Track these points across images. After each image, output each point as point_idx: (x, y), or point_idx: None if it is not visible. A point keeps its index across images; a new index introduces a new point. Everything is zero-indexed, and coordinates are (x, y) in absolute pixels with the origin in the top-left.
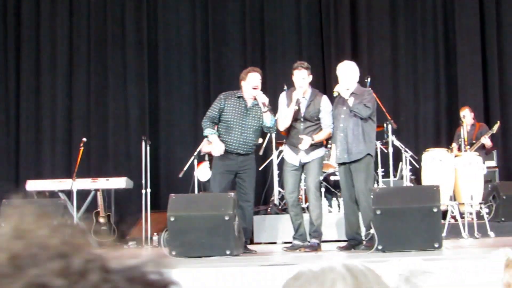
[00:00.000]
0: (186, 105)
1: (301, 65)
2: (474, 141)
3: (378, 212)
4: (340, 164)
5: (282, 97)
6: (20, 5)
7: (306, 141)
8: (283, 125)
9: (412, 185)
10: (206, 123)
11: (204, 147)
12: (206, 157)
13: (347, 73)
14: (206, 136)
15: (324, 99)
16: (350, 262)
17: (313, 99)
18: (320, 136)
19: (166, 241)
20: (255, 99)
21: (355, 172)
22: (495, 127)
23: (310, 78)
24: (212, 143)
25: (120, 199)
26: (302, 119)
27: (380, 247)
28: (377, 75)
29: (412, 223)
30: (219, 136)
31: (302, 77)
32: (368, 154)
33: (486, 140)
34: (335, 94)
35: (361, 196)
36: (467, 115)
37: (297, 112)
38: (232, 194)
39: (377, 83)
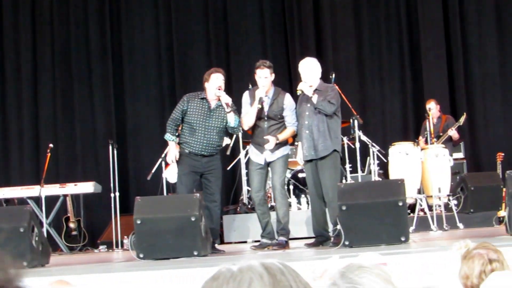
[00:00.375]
0: (152, 108)
1: (263, 63)
2: (441, 134)
3: (344, 207)
4: (307, 162)
5: (245, 96)
6: None
7: (271, 141)
8: (247, 124)
9: (380, 179)
10: (169, 125)
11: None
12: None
13: (309, 70)
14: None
15: (287, 97)
16: (268, 261)
17: (276, 97)
18: (284, 135)
19: (133, 244)
20: (219, 100)
21: (322, 168)
22: (462, 119)
23: (273, 76)
24: (170, 148)
25: (90, 204)
26: (265, 118)
27: (347, 243)
28: (343, 71)
29: (378, 217)
30: (183, 138)
31: (264, 75)
32: (335, 150)
33: (453, 132)
34: (298, 92)
35: (329, 193)
36: (433, 108)
37: (260, 111)
38: (198, 195)
39: (343, 79)
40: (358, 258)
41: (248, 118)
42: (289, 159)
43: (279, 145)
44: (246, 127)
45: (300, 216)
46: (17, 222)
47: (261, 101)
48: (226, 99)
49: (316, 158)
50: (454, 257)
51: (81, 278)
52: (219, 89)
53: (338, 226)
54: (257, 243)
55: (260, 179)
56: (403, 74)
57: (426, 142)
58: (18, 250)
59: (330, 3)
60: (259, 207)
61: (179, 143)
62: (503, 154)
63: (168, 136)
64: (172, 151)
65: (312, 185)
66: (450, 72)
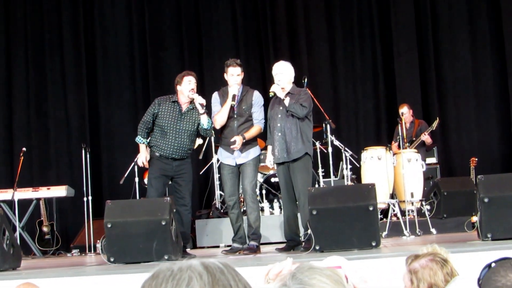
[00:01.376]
0: (125, 111)
1: (234, 61)
2: (414, 138)
3: (314, 212)
4: (279, 164)
5: (215, 96)
6: None
7: (238, 141)
8: (219, 123)
9: (352, 184)
10: (140, 128)
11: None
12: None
13: (282, 72)
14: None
15: (256, 93)
16: (208, 260)
17: (245, 94)
18: (251, 133)
19: (104, 248)
20: (191, 102)
21: (294, 171)
22: (435, 124)
23: (242, 75)
24: (140, 151)
25: (63, 208)
26: (235, 116)
27: (317, 247)
28: (316, 75)
29: (349, 222)
30: (154, 141)
31: (237, 73)
32: (307, 153)
33: (426, 137)
34: (271, 94)
35: (301, 196)
36: (405, 112)
37: (230, 109)
38: (168, 198)
39: (316, 83)
40: (323, 261)
41: (221, 116)
42: (261, 164)
43: (249, 145)
44: (218, 126)
45: (272, 221)
46: None
47: (234, 98)
48: (201, 100)
49: (288, 160)
50: None
51: (50, 281)
52: (191, 91)
53: (309, 231)
54: (229, 248)
55: (233, 183)
56: (376, 78)
57: (398, 146)
58: None
59: (303, 7)
60: (232, 210)
61: (149, 146)
62: (476, 159)
63: (138, 139)
64: (142, 154)
65: (285, 188)
66: (423, 77)
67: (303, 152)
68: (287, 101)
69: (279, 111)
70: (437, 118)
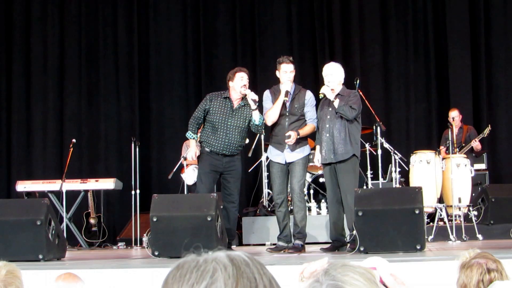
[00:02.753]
0: (177, 107)
1: (287, 58)
2: (463, 144)
3: (360, 213)
4: (326, 165)
5: (266, 94)
6: (12, 6)
7: (292, 135)
8: (271, 119)
9: (400, 186)
10: (191, 124)
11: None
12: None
13: (333, 74)
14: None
15: (308, 93)
16: (234, 253)
17: (297, 93)
18: (305, 131)
19: (148, 242)
20: (242, 99)
21: (341, 173)
22: (486, 131)
23: (294, 72)
24: (190, 146)
25: (111, 201)
26: (287, 114)
27: (362, 249)
28: (368, 77)
29: (394, 224)
30: (205, 136)
31: (290, 70)
32: (354, 155)
33: (476, 144)
34: (320, 96)
35: (347, 197)
36: (456, 116)
37: (282, 107)
38: (215, 194)
39: (368, 85)
40: (363, 261)
41: (273, 113)
42: (310, 163)
43: (300, 144)
44: (270, 123)
45: (319, 221)
46: (34, 215)
47: (287, 94)
48: (253, 96)
49: (334, 161)
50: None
51: (93, 273)
52: (243, 87)
53: (354, 232)
54: (274, 246)
55: (282, 181)
56: (428, 82)
57: (447, 151)
58: (34, 242)
59: (358, 8)
60: (279, 209)
61: (200, 142)
62: None
63: (189, 134)
64: (192, 149)
65: (331, 189)
66: (475, 83)
67: (350, 154)
68: (336, 103)
69: (328, 112)
70: (489, 125)
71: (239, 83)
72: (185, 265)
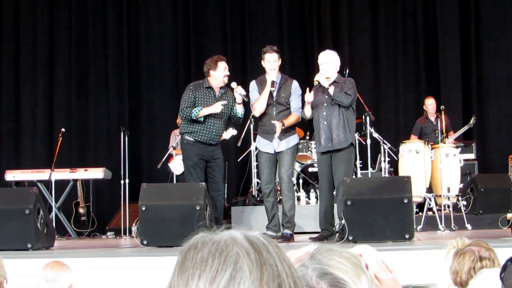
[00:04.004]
0: (167, 97)
1: (271, 48)
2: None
3: (349, 202)
4: (322, 153)
5: (253, 85)
6: None
7: (278, 126)
8: (258, 110)
9: (392, 176)
10: (186, 112)
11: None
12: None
13: (328, 62)
14: (195, 117)
15: (295, 83)
16: (251, 233)
17: (283, 82)
18: (290, 120)
19: (137, 231)
20: (221, 88)
21: (337, 161)
22: (472, 121)
23: (279, 62)
24: (210, 109)
25: (100, 190)
26: (274, 103)
27: (350, 238)
28: (358, 66)
29: (383, 213)
30: (190, 127)
31: (273, 59)
32: (351, 143)
33: (459, 133)
34: (315, 83)
35: (341, 186)
36: (432, 105)
37: (269, 96)
38: (204, 183)
39: (358, 75)
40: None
41: (260, 104)
42: (299, 153)
43: (288, 133)
44: (257, 114)
45: (308, 211)
46: (22, 204)
47: (274, 84)
48: (241, 91)
49: (332, 149)
50: (448, 254)
51: (81, 261)
52: (226, 76)
53: (343, 221)
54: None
55: (270, 171)
56: (418, 73)
57: (430, 141)
58: (22, 231)
59: None
60: (268, 198)
61: (182, 133)
62: None
63: (195, 111)
64: (215, 106)
65: (325, 177)
66: (465, 73)
67: (349, 142)
68: (331, 90)
69: (324, 99)
70: (473, 115)
71: (222, 73)
72: (203, 246)
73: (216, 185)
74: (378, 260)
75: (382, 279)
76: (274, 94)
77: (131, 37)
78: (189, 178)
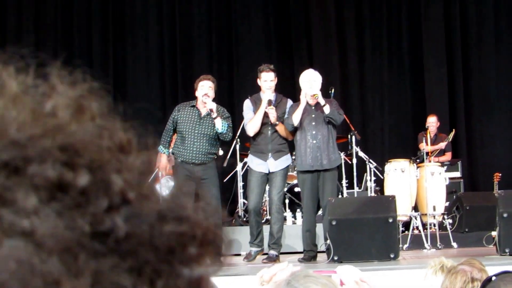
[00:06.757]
0: (154, 119)
1: (268, 67)
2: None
3: (334, 222)
4: (307, 172)
5: (247, 104)
6: None
7: (271, 112)
8: (253, 130)
9: (374, 195)
10: (162, 137)
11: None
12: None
13: (316, 80)
14: (162, 152)
15: (289, 101)
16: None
17: (279, 101)
18: (282, 126)
19: None
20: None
21: (325, 180)
22: (451, 135)
23: (276, 81)
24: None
25: None
26: (269, 122)
27: (336, 258)
28: (344, 86)
29: (368, 233)
30: (176, 147)
31: (270, 78)
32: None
33: (442, 145)
34: (316, 96)
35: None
36: (433, 124)
37: (264, 116)
38: None
39: (344, 94)
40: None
41: (254, 123)
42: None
43: (282, 152)
44: (251, 133)
45: (295, 231)
46: None
47: (269, 103)
48: (210, 105)
49: (321, 169)
50: (428, 274)
51: None
52: (204, 95)
53: (328, 241)
54: (245, 253)
55: (260, 191)
56: (404, 92)
57: (420, 160)
58: None
59: (335, 17)
60: (256, 217)
61: (173, 153)
62: (500, 174)
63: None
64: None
65: (310, 197)
66: (451, 92)
67: (338, 162)
68: (327, 108)
69: (313, 118)
70: (453, 129)
71: (200, 92)
72: None
73: None
74: (357, 279)
75: None
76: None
77: (117, 59)
78: None
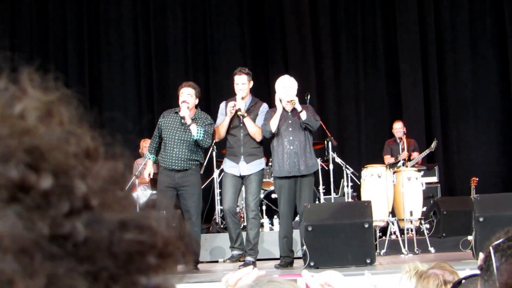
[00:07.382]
0: (125, 129)
1: (241, 70)
2: (408, 157)
3: (310, 228)
4: (283, 178)
5: (222, 107)
6: None
7: (240, 103)
8: (218, 134)
9: (350, 201)
10: (150, 143)
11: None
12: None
13: (292, 86)
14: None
15: (264, 105)
16: None
17: (253, 104)
18: (252, 123)
19: None
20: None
21: (302, 186)
22: (433, 145)
23: (251, 84)
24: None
25: None
26: (241, 125)
27: (312, 264)
28: (320, 91)
29: (344, 239)
30: (160, 154)
31: (242, 81)
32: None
33: (419, 159)
34: (293, 102)
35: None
36: (400, 129)
37: (237, 119)
38: (179, 211)
39: (320, 100)
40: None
41: (221, 127)
42: (264, 180)
43: (254, 156)
44: (217, 138)
45: (272, 237)
46: None
47: (234, 105)
48: (182, 113)
49: (298, 174)
50: (403, 279)
51: None
52: (183, 102)
53: (304, 247)
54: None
55: (234, 192)
56: (380, 97)
57: (395, 165)
58: None
59: (310, 23)
60: (232, 217)
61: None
62: (477, 179)
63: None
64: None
65: (287, 203)
66: (427, 97)
67: (316, 167)
68: (304, 114)
69: (289, 124)
70: (435, 139)
71: (180, 99)
72: None
73: (187, 213)
74: (322, 282)
75: None
76: (243, 115)
77: (93, 66)
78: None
